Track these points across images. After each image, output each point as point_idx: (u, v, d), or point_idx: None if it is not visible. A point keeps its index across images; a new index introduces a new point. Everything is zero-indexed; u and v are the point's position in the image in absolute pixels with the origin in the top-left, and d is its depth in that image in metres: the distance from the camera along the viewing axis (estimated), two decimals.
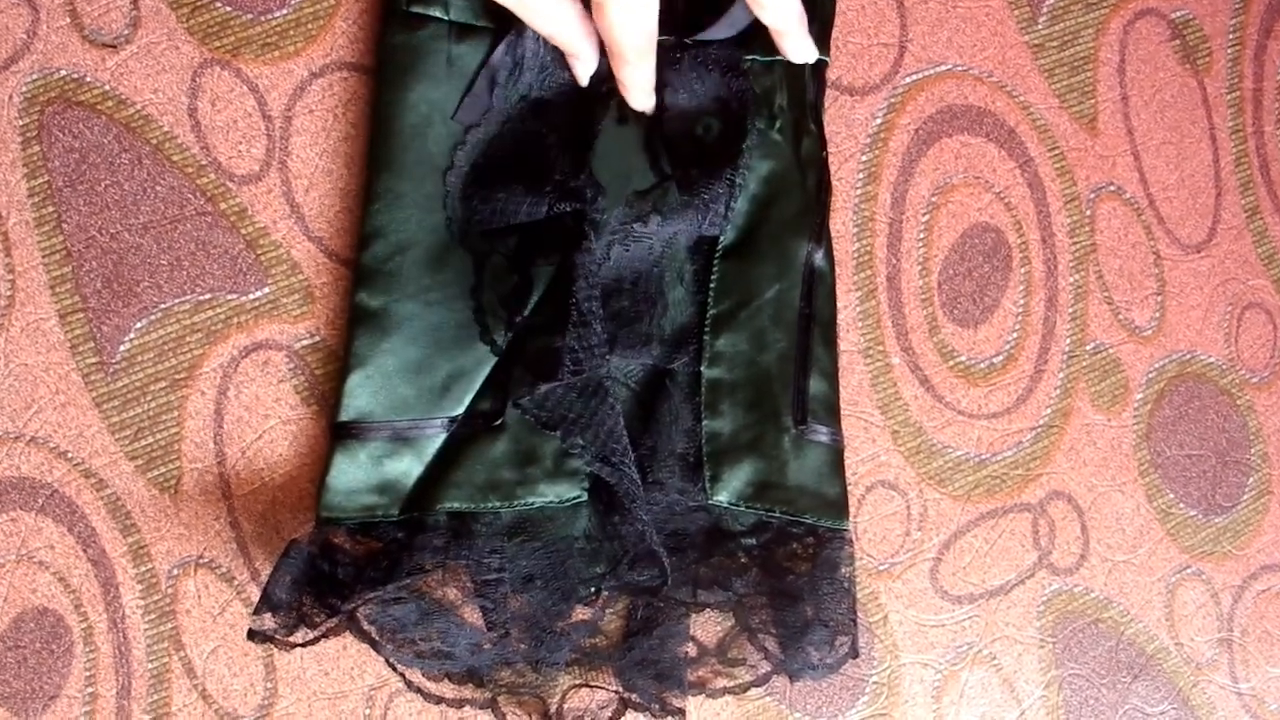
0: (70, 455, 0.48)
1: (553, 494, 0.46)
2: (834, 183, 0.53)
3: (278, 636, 0.45)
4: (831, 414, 0.49)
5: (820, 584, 0.48)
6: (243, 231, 0.49)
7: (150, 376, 0.49)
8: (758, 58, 0.49)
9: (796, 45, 0.46)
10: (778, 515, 0.48)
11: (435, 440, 0.47)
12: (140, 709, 0.48)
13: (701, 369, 0.48)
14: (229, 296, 0.49)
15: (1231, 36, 0.57)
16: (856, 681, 0.52)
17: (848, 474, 0.52)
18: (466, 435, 0.47)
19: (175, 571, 0.48)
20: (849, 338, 0.53)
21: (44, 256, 0.48)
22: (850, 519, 0.49)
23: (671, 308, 0.49)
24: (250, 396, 0.49)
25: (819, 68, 0.50)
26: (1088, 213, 0.55)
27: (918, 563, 0.53)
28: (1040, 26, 0.55)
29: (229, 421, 0.49)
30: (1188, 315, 0.56)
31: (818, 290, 0.49)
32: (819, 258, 0.49)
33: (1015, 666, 0.54)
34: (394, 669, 0.48)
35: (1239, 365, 0.57)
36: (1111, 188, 0.56)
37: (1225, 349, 0.57)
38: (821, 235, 0.49)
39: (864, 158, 0.53)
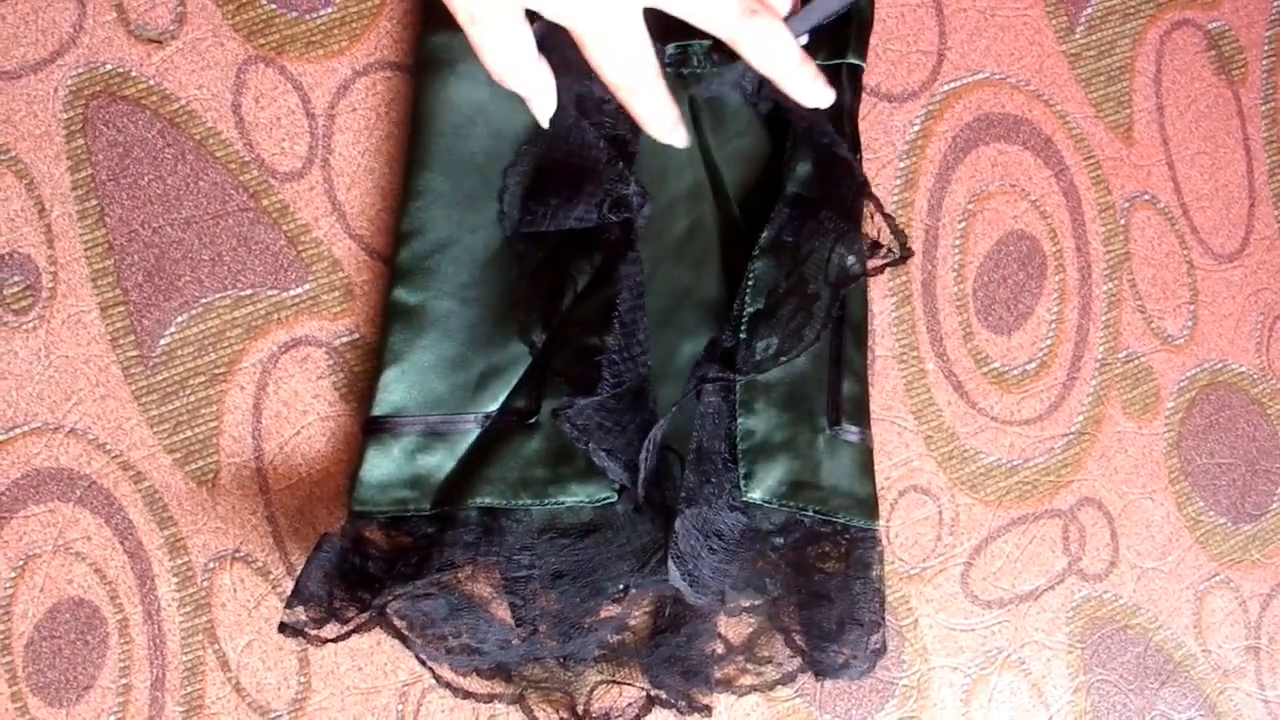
0: (109, 447, 0.48)
1: (584, 494, 0.46)
2: (872, 189, 0.53)
3: (309, 630, 0.45)
4: (863, 414, 0.50)
5: (853, 584, 0.48)
6: (284, 228, 0.50)
7: (190, 370, 0.49)
8: None
9: (803, 90, 0.42)
10: (810, 514, 0.48)
11: (469, 436, 0.47)
12: (174, 701, 0.48)
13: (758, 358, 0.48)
14: (270, 292, 0.49)
15: (1267, 48, 0.58)
16: (886, 684, 0.52)
17: (879, 478, 0.52)
18: (500, 432, 0.47)
19: (211, 565, 0.49)
20: (884, 343, 0.53)
21: (86, 250, 0.49)
22: (881, 519, 0.50)
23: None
24: (289, 392, 0.49)
25: (855, 72, 0.50)
26: (1122, 221, 0.56)
27: (949, 567, 0.53)
28: (1078, 36, 0.55)
29: (267, 416, 0.49)
30: (1220, 325, 0.57)
31: (850, 292, 0.50)
32: (851, 260, 0.49)
33: (1044, 671, 0.54)
34: (423, 664, 0.48)
35: (1270, 375, 0.57)
36: (1146, 197, 0.56)
37: (1256, 359, 0.57)
38: (854, 237, 0.50)
39: (901, 164, 0.53)
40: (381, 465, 0.47)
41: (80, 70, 0.49)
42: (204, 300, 0.49)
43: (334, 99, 0.50)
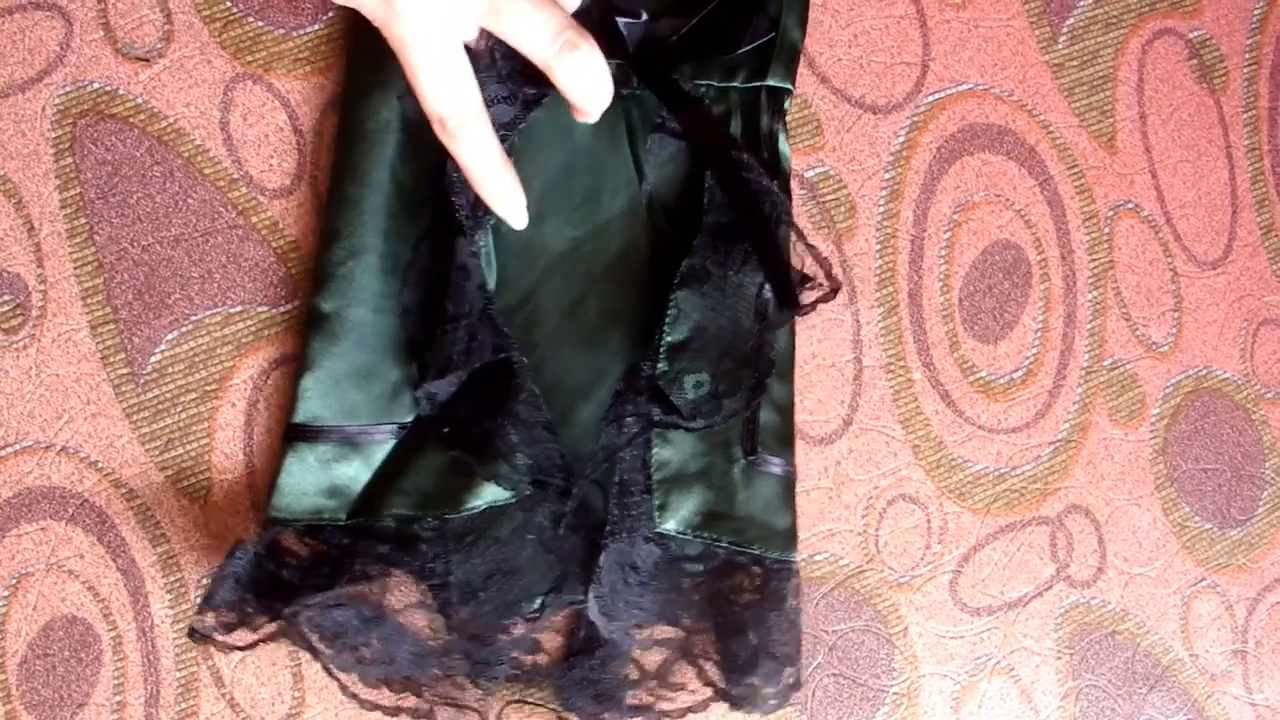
0: (101, 465, 0.48)
1: (490, 495, 0.46)
2: (857, 200, 0.53)
3: (216, 636, 0.45)
4: (784, 445, 0.49)
5: (767, 615, 0.47)
6: (273, 245, 0.50)
7: (181, 387, 0.49)
8: (712, 83, 0.48)
9: (594, 113, 0.42)
10: (725, 545, 0.48)
11: (384, 446, 0.47)
12: (168, 717, 0.48)
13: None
14: (260, 309, 0.50)
15: (1248, 56, 0.58)
16: (877, 692, 0.53)
17: (869, 487, 0.53)
18: (415, 442, 0.47)
19: (204, 581, 0.49)
20: (871, 353, 0.53)
21: (76, 268, 0.49)
22: (798, 551, 0.49)
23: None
24: (280, 408, 0.49)
25: (777, 95, 0.50)
26: (1106, 230, 0.56)
27: (938, 575, 0.54)
28: (1060, 46, 0.56)
29: (259, 433, 0.49)
30: (1204, 331, 0.57)
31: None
32: (769, 290, 0.47)
33: (1033, 678, 0.54)
34: (331, 674, 0.47)
35: (1254, 381, 0.58)
36: (1129, 205, 0.56)
37: (1240, 364, 0.58)
38: (779, 272, 0.47)
39: (887, 175, 0.54)
40: (298, 474, 0.47)
41: (68, 89, 0.49)
42: (194, 317, 0.49)
43: (321, 115, 0.50)
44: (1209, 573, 0.57)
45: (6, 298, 0.48)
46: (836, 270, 0.53)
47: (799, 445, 0.53)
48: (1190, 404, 0.57)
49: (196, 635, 0.45)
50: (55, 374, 0.48)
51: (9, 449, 0.48)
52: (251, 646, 0.46)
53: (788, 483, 0.49)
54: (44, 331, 0.48)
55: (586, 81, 0.39)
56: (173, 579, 0.49)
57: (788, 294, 0.46)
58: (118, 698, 0.48)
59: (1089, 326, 0.56)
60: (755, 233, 0.46)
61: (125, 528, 0.48)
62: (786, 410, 0.50)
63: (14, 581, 0.48)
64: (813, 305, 0.47)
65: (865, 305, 0.53)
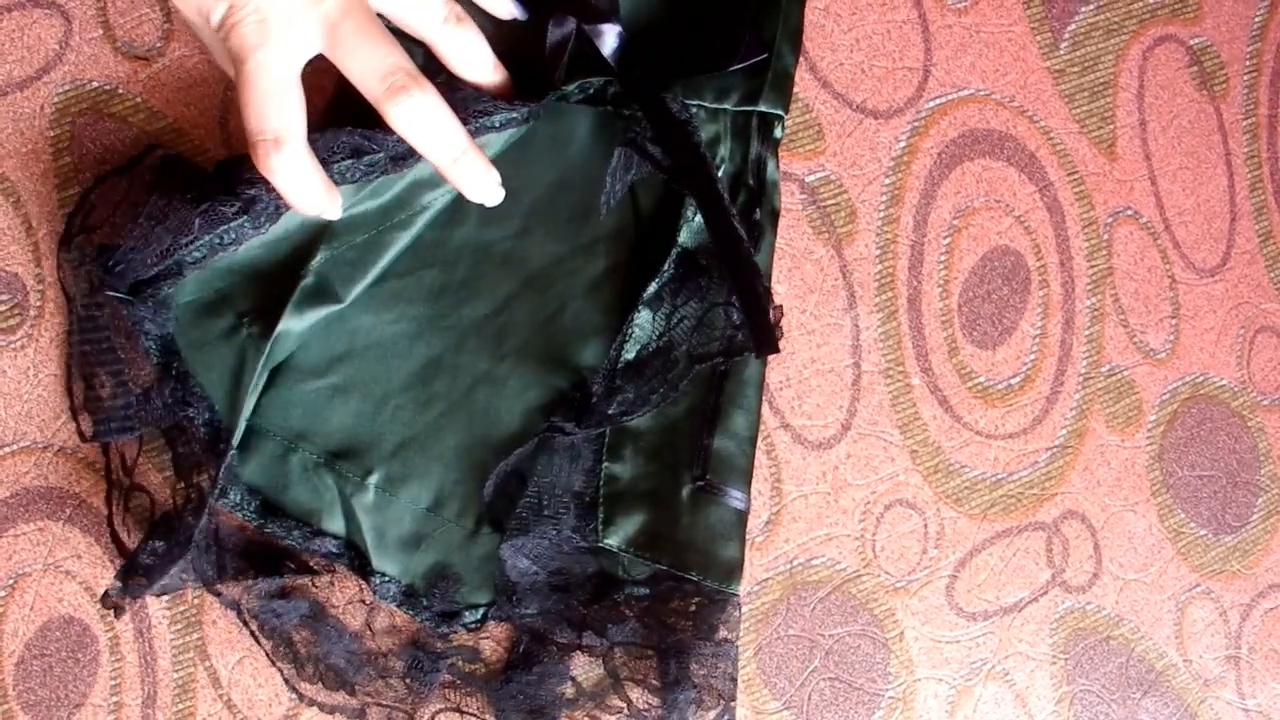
0: (98, 466, 0.48)
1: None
2: (857, 205, 0.53)
3: (132, 595, 0.45)
4: (739, 477, 0.48)
5: (697, 644, 0.47)
6: None
7: None
8: (704, 104, 0.47)
9: (494, 89, 0.45)
10: (664, 567, 0.47)
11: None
12: (165, 718, 0.48)
13: (609, 411, 0.47)
14: None
15: (1248, 63, 0.58)
16: (872, 696, 0.53)
17: (864, 491, 0.53)
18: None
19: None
20: (870, 358, 0.53)
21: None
22: (740, 584, 0.48)
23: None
24: None
25: (768, 121, 0.49)
26: (1105, 236, 0.56)
27: (934, 580, 0.54)
28: (1062, 52, 0.56)
29: None
30: (1201, 339, 0.57)
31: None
32: (737, 316, 0.46)
33: (1028, 682, 0.55)
34: (274, 665, 0.48)
35: (1250, 388, 0.58)
36: (1129, 212, 0.56)
37: (1237, 372, 0.58)
38: (746, 292, 0.46)
39: (887, 180, 0.54)
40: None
41: (67, 88, 0.49)
42: None
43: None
44: (1203, 579, 0.57)
45: (4, 297, 0.48)
46: (836, 277, 0.53)
47: (796, 450, 0.53)
48: (1187, 410, 0.57)
49: (108, 601, 0.45)
50: (53, 374, 0.48)
51: (6, 449, 0.48)
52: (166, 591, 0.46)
53: (739, 514, 0.48)
54: (42, 331, 0.48)
55: (470, 55, 0.43)
56: None
57: (762, 330, 0.45)
58: (115, 698, 0.48)
59: (1087, 333, 0.56)
60: (732, 268, 0.46)
61: (122, 529, 0.48)
62: (746, 442, 0.48)
63: (11, 582, 0.48)
64: (738, 351, 0.46)
65: (864, 310, 0.53)
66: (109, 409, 0.45)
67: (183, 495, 0.46)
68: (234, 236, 0.44)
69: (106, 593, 0.45)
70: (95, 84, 0.49)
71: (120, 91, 0.49)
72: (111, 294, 0.44)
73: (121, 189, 0.47)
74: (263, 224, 0.44)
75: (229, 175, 0.44)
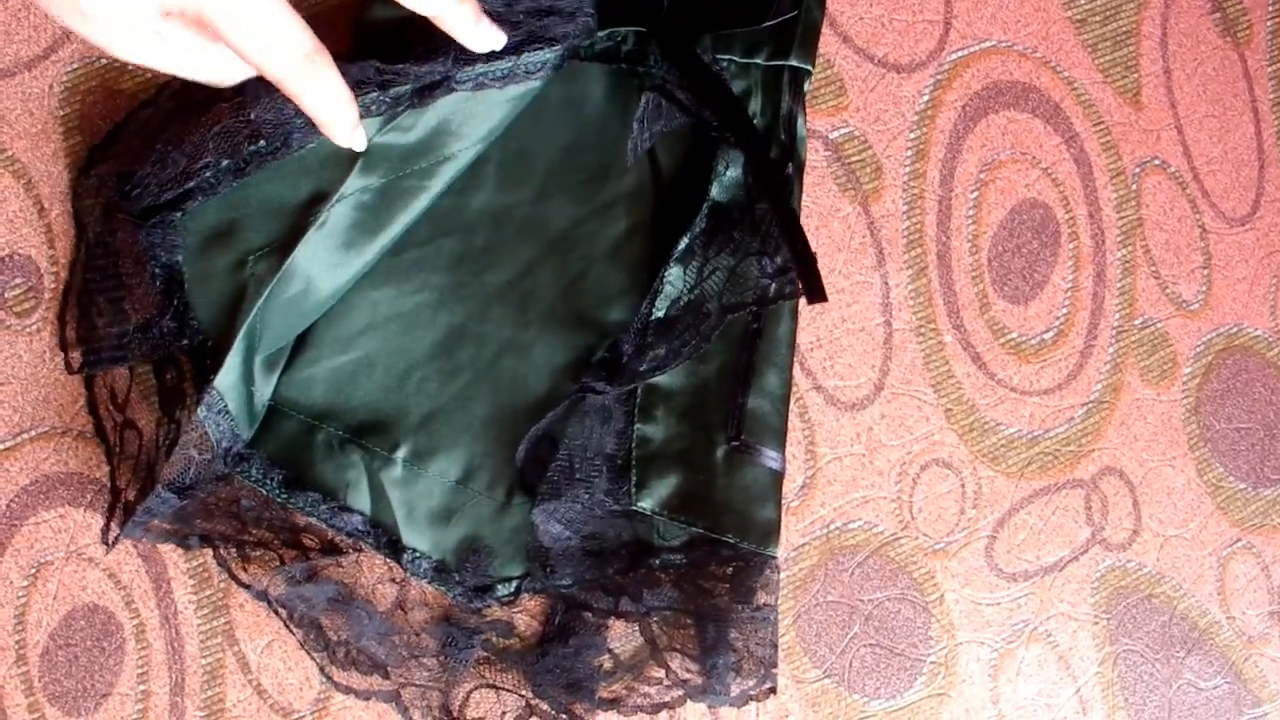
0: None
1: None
2: (883, 161, 0.53)
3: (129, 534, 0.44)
4: (774, 437, 0.48)
5: (735, 609, 0.46)
6: None
7: None
8: (734, 59, 0.47)
9: (464, 31, 0.40)
10: (699, 530, 0.47)
11: None
12: (194, 705, 0.47)
13: (641, 368, 0.46)
14: None
15: (1271, 8, 0.57)
16: (914, 661, 0.52)
17: (901, 452, 0.52)
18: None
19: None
20: (901, 316, 0.52)
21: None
22: (778, 547, 0.47)
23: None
24: None
25: (798, 76, 0.48)
26: (1133, 187, 0.55)
27: (973, 541, 0.53)
28: (1082, 1, 0.55)
29: None
30: (1234, 288, 0.56)
31: (775, 310, 0.48)
32: (771, 272, 0.46)
33: (1070, 643, 0.54)
34: (307, 653, 0.47)
35: None
36: (1156, 162, 0.56)
37: (1271, 321, 0.57)
38: (778, 250, 0.46)
39: (912, 135, 0.53)
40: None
41: (75, 65, 0.48)
42: None
43: None
44: (1244, 533, 0.56)
45: (19, 281, 0.47)
46: (863, 234, 0.52)
47: (830, 412, 0.52)
48: (1222, 362, 0.56)
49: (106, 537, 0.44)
50: None
51: (25, 435, 0.47)
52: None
53: (775, 475, 0.47)
54: (58, 315, 0.47)
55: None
56: (195, 564, 0.48)
57: (812, 277, 0.44)
58: (142, 686, 0.47)
59: (1119, 285, 0.55)
60: (781, 212, 0.45)
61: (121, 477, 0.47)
62: (779, 400, 0.48)
63: (34, 570, 0.47)
64: (775, 299, 0.46)
65: (894, 268, 0.52)
66: (102, 337, 0.44)
67: (165, 430, 0.44)
68: (248, 161, 0.42)
69: (104, 529, 0.44)
70: (104, 61, 0.48)
71: (129, 68, 0.48)
72: (124, 216, 0.43)
73: (143, 120, 0.46)
74: (278, 149, 0.42)
75: (245, 100, 0.43)
